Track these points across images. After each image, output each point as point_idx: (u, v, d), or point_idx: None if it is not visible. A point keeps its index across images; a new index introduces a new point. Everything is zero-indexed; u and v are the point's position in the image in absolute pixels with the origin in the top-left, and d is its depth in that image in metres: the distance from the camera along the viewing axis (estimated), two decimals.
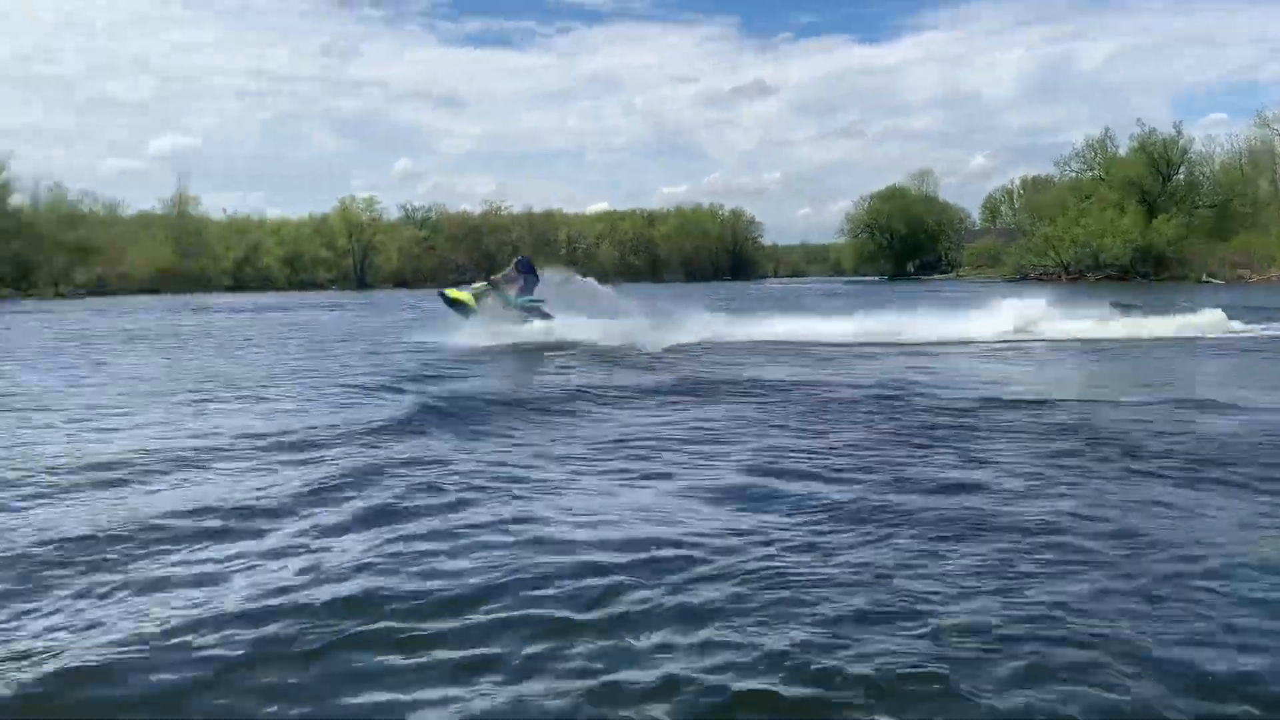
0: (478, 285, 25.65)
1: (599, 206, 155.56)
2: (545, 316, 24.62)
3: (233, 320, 40.48)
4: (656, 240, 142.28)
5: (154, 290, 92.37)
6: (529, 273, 25.35)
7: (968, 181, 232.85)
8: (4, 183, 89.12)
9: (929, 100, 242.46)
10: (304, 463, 9.07)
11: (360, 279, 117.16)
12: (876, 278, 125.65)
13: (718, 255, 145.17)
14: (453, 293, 25.66)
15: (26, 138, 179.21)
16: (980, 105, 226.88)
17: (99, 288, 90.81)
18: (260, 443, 10.06)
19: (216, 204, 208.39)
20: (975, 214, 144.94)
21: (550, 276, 25.79)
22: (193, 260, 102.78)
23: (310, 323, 38.74)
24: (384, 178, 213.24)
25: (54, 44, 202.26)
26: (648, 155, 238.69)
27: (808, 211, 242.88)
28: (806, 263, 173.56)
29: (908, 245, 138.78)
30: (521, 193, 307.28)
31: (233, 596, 5.43)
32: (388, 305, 58.05)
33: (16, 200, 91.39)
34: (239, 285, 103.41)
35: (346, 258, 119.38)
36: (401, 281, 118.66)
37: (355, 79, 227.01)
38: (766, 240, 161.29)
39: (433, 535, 6.60)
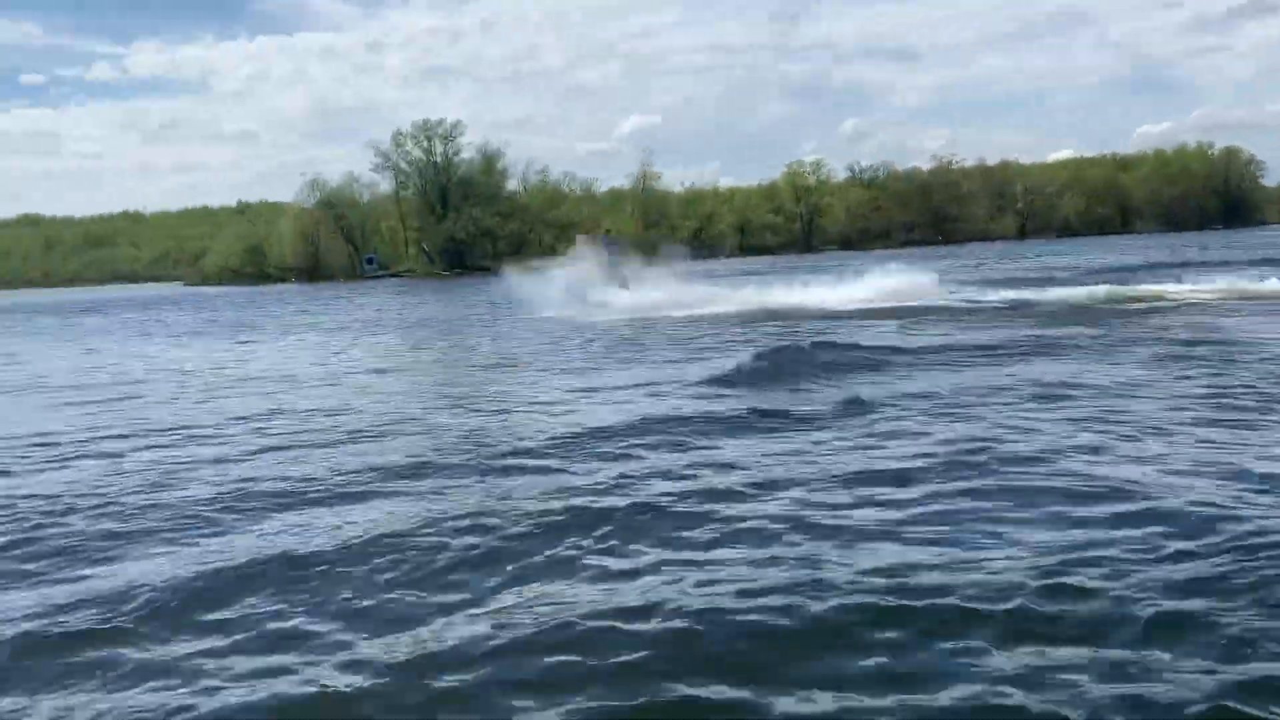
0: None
1: (1062, 154, 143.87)
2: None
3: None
4: (1129, 187, 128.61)
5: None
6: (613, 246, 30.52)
7: None
8: (502, 169, 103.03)
9: None
10: None
11: (807, 242, 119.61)
12: None
13: (1205, 200, 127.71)
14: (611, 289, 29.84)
15: (517, 129, 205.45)
16: None
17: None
18: None
19: (676, 178, 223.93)
20: None
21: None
22: (655, 230, 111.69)
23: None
24: (832, 139, 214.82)
25: (538, 41, 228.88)
26: (1121, 93, 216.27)
27: None
28: None
29: None
30: (976, 144, 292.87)
31: None
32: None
33: (511, 185, 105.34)
34: (694, 254, 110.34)
35: (794, 222, 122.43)
36: (848, 243, 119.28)
37: (803, 43, 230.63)
38: (1270, 181, 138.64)
39: None
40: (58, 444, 11.60)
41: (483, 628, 5.32)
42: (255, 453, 10.35)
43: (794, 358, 15.29)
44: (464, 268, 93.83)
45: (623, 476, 8.38)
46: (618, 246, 31.85)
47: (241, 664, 5.03)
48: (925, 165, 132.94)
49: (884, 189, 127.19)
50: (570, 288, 28.59)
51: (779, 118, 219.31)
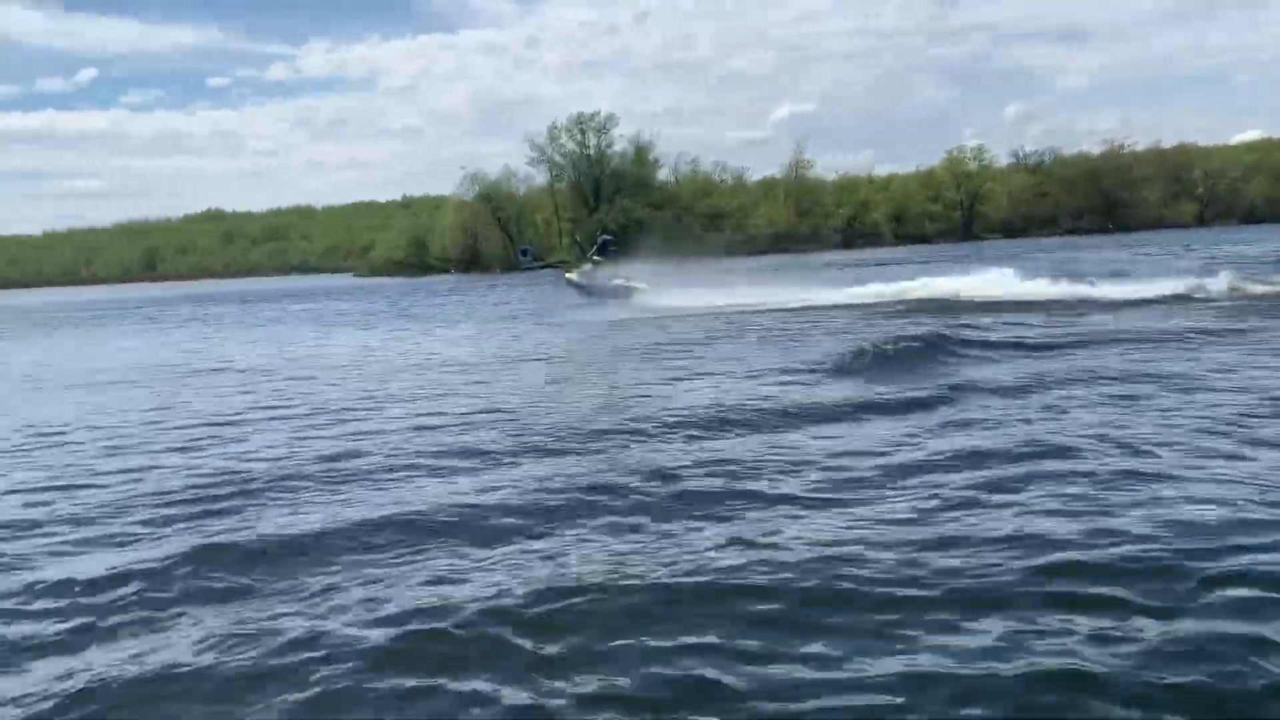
0: (584, 267, 31.24)
1: (1247, 135, 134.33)
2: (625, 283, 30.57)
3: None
4: None
5: (773, 250, 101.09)
6: (610, 248, 31.82)
7: None
8: (653, 160, 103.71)
9: None
10: None
11: (967, 229, 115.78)
12: None
13: None
14: (569, 276, 31.98)
15: (669, 119, 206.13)
16: None
17: (726, 250, 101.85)
18: None
19: (829, 165, 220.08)
20: None
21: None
22: (806, 220, 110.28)
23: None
24: (994, 124, 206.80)
25: (691, 30, 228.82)
26: None
27: None
28: None
29: None
30: (1150, 127, 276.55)
31: None
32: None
33: (662, 175, 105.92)
34: (847, 243, 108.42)
35: (954, 210, 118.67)
36: (1010, 231, 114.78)
37: (961, 25, 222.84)
38: None
39: None
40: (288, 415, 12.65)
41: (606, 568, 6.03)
42: (443, 423, 10.89)
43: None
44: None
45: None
46: (616, 250, 32.55)
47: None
48: (1094, 149, 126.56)
49: (1050, 174, 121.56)
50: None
51: (936, 103, 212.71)
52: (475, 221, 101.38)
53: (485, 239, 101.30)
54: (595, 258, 31.41)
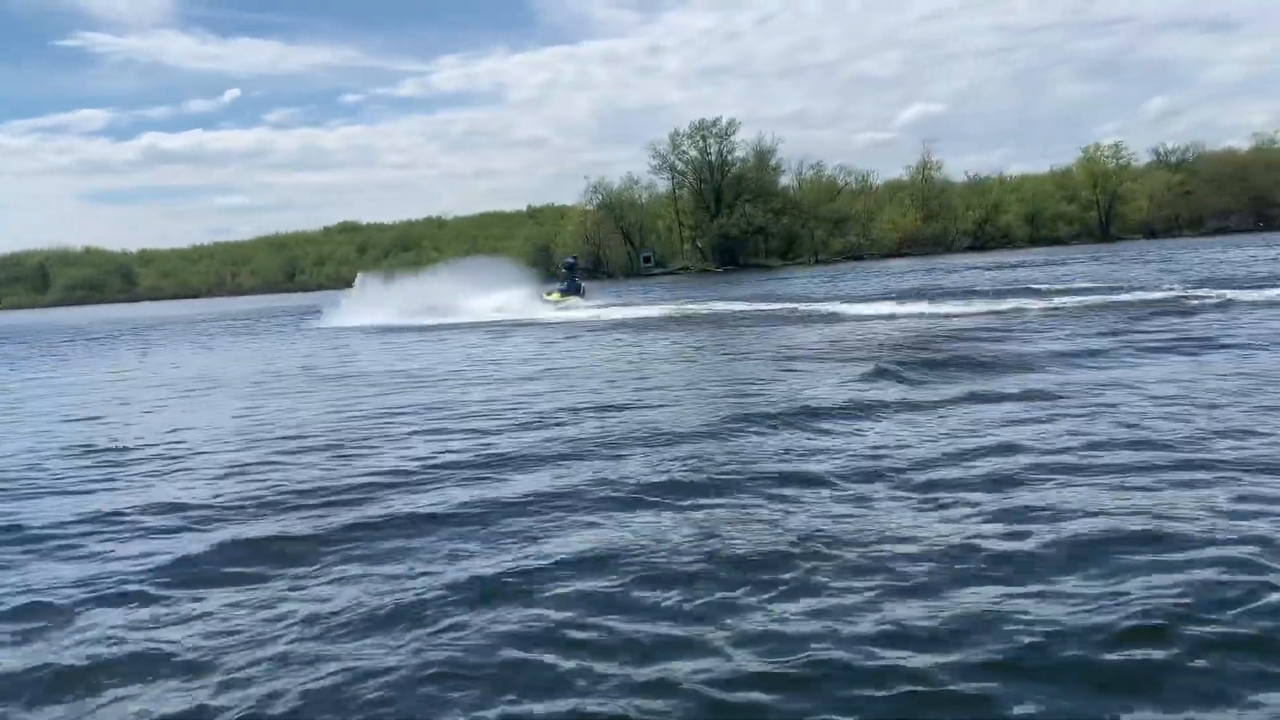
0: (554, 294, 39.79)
1: None
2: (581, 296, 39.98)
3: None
4: None
5: (899, 254, 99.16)
6: (572, 269, 42.85)
7: None
8: (775, 165, 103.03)
9: None
10: None
11: (1105, 230, 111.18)
12: None
13: None
14: (552, 298, 39.21)
15: (793, 123, 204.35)
16: None
17: (852, 254, 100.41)
18: None
19: (959, 167, 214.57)
20: None
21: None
22: (935, 223, 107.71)
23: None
24: (1134, 120, 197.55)
25: (816, 34, 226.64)
26: None
27: None
28: None
29: None
30: None
31: None
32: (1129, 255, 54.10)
33: (785, 180, 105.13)
34: (978, 245, 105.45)
35: (1091, 210, 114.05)
36: (1152, 232, 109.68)
37: (1103, 17, 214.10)
38: None
39: None
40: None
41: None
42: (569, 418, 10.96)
43: None
44: (735, 264, 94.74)
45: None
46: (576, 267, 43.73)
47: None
48: (1242, 145, 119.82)
49: (1194, 172, 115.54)
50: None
51: (1074, 99, 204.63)
52: (598, 229, 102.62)
53: (608, 245, 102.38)
54: (564, 286, 40.76)
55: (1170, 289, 25.26)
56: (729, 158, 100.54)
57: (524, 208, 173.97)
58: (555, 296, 39.10)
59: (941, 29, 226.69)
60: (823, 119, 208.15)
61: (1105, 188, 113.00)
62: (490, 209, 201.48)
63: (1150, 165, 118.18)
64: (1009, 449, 8.20)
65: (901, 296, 31.47)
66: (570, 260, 44.01)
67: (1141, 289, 26.04)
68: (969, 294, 29.90)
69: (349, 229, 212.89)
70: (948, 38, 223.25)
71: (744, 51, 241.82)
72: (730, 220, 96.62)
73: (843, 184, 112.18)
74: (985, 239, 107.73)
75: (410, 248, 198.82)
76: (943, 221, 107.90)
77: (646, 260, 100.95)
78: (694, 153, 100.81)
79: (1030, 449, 8.14)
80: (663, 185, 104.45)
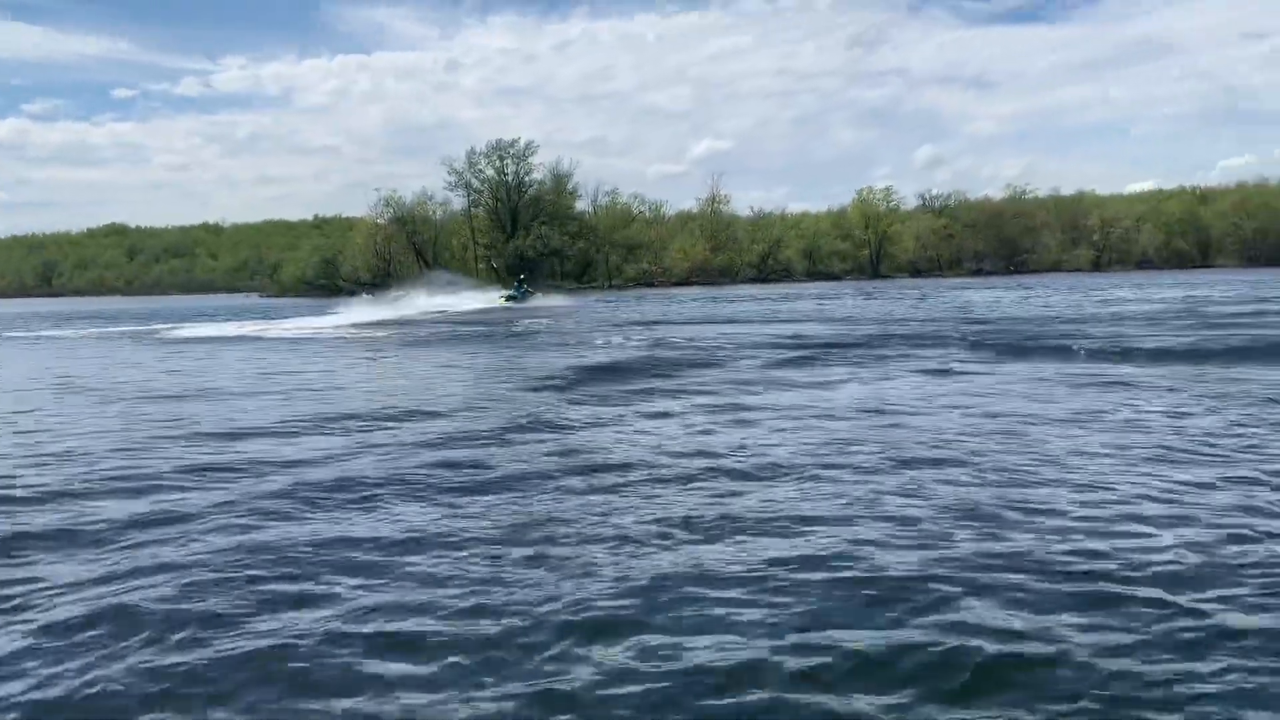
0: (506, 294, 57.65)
1: (1139, 186, 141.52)
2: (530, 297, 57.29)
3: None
4: (1209, 221, 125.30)
5: (688, 282, 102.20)
6: (521, 283, 59.75)
7: None
8: (571, 189, 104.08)
9: None
10: None
11: (875, 268, 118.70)
12: None
13: None
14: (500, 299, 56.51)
15: (590, 149, 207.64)
16: None
17: (644, 280, 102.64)
18: None
19: (745, 201, 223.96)
20: None
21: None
22: (722, 254, 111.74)
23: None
24: (905, 166, 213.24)
25: (611, 63, 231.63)
26: (1204, 125, 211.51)
27: None
28: None
29: None
30: (1052, 175, 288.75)
31: None
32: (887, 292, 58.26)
33: (581, 205, 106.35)
34: (761, 278, 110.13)
35: (863, 248, 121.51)
36: (916, 271, 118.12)
37: (878, 68, 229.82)
38: None
39: None
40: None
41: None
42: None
43: None
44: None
45: None
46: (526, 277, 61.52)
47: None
48: (997, 194, 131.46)
49: (955, 217, 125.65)
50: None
51: (851, 143, 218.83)
52: (389, 244, 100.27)
53: (399, 261, 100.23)
54: (514, 292, 57.47)
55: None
56: (526, 179, 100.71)
57: (310, 217, 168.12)
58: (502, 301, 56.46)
59: (730, 69, 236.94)
60: (618, 147, 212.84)
61: (876, 228, 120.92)
62: (273, 217, 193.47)
63: (917, 209, 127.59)
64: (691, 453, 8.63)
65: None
66: (521, 277, 62.87)
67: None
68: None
69: (116, 231, 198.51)
70: (736, 78, 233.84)
71: (542, 74, 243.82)
72: (526, 241, 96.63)
73: (637, 212, 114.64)
74: (768, 272, 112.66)
75: (184, 254, 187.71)
76: (729, 253, 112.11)
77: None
78: (491, 172, 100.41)
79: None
80: (458, 203, 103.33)
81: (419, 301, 52.93)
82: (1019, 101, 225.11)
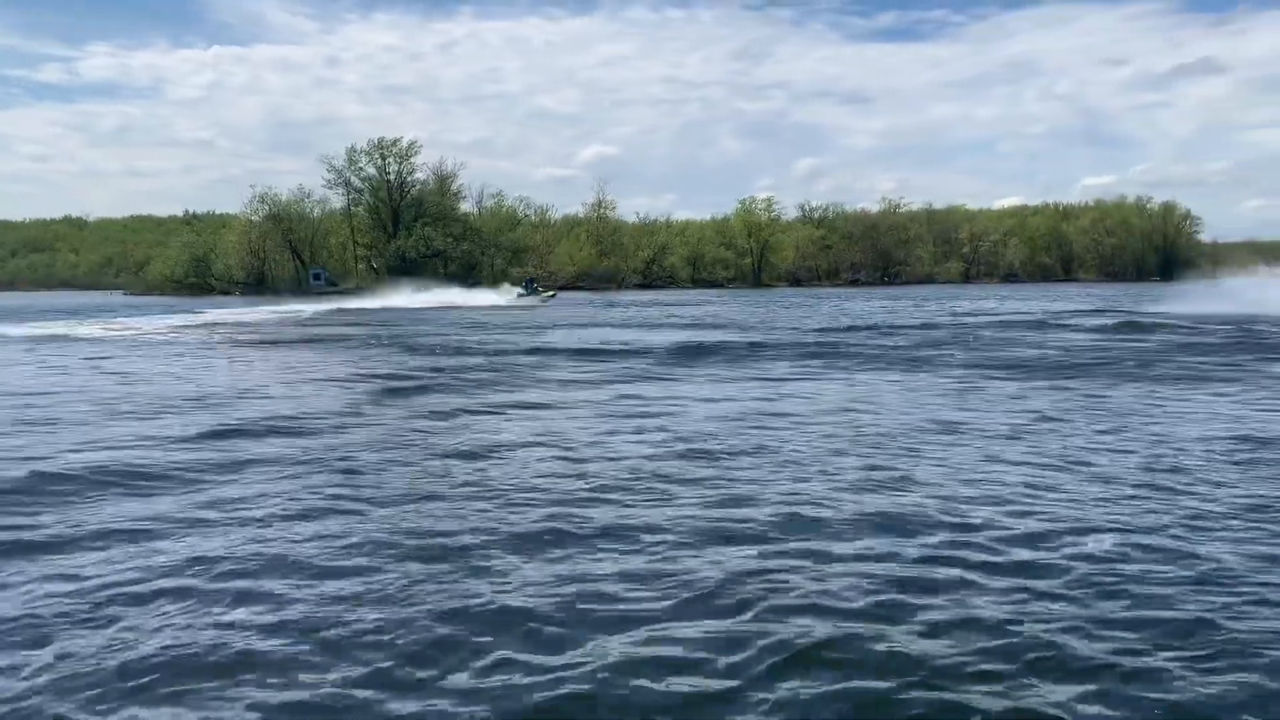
0: (519, 291, 61.31)
1: (1008, 201, 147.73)
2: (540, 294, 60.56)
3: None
4: (1071, 237, 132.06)
5: (574, 286, 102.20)
6: (531, 282, 63.91)
7: None
8: (456, 191, 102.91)
9: None
10: None
11: (757, 276, 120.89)
12: None
13: (1144, 253, 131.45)
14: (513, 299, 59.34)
15: (476, 150, 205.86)
16: None
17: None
18: None
19: (631, 207, 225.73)
20: None
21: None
22: (609, 259, 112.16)
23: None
24: (786, 178, 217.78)
25: (498, 65, 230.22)
26: (1067, 145, 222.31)
27: (1259, 204, 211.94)
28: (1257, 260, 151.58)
29: None
30: (925, 189, 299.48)
31: None
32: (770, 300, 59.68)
33: (465, 207, 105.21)
34: (646, 283, 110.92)
35: (745, 257, 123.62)
36: (795, 280, 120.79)
37: (762, 81, 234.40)
38: (1205, 237, 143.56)
39: None
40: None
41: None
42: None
43: None
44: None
45: None
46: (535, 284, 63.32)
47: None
48: (873, 207, 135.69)
49: (834, 228, 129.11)
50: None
51: (736, 153, 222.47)
52: (264, 242, 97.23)
53: (274, 261, 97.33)
54: (524, 290, 61.16)
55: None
56: (409, 179, 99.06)
57: (180, 213, 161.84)
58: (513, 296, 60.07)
59: (619, 75, 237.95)
60: (505, 149, 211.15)
61: (759, 238, 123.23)
62: (141, 212, 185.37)
63: (797, 220, 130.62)
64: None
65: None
66: (530, 279, 68.00)
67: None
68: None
69: None
70: (623, 84, 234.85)
71: (427, 74, 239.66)
72: (409, 242, 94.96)
73: (523, 215, 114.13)
74: (653, 278, 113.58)
75: (43, 249, 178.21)
76: (615, 259, 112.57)
77: (317, 278, 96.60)
78: (372, 170, 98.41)
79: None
80: (338, 201, 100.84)
81: (420, 296, 61.92)
82: (894, 117, 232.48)
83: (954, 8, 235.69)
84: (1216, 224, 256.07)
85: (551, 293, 62.64)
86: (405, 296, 62.77)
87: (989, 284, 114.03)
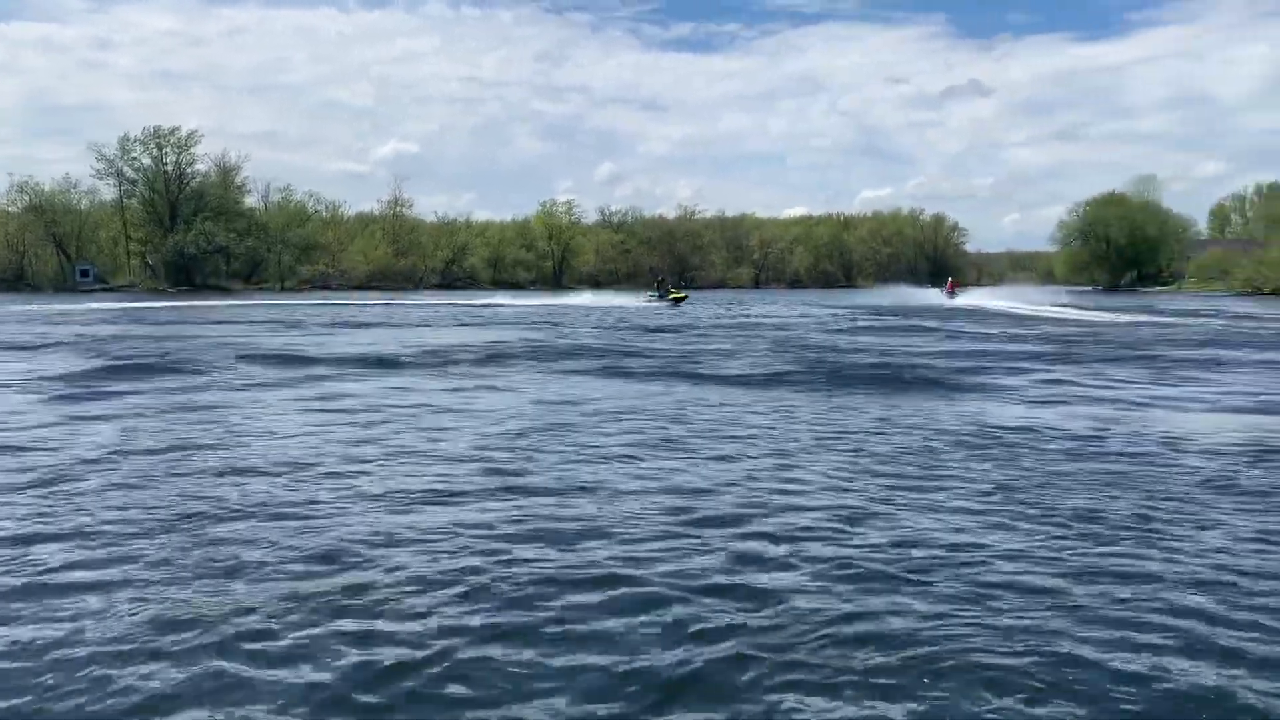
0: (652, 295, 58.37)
1: (796, 211, 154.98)
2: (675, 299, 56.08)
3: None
4: (851, 245, 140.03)
5: (369, 286, 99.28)
6: (664, 283, 60.91)
7: (1197, 187, 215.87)
8: (240, 184, 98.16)
9: (1158, 101, 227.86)
10: None
11: (558, 280, 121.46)
12: (1089, 288, 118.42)
13: (915, 262, 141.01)
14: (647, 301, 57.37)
15: (263, 142, 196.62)
16: (1215, 106, 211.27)
17: (320, 283, 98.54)
18: None
19: (430, 206, 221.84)
20: (1202, 222, 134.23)
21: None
22: (406, 259, 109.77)
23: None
24: (587, 181, 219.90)
25: (286, 55, 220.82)
26: (850, 158, 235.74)
27: (1017, 218, 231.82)
28: (1013, 271, 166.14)
29: (1125, 255, 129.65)
30: (719, 196, 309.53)
31: None
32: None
33: (250, 201, 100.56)
34: (446, 284, 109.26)
35: (546, 259, 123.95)
36: (596, 283, 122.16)
37: (561, 84, 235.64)
38: (971, 247, 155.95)
39: None
40: None
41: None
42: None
43: None
44: (192, 285, 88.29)
45: None
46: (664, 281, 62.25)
47: None
48: (670, 213, 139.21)
49: (633, 233, 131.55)
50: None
51: (538, 155, 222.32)
52: (23, 235, 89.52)
53: (36, 255, 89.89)
54: (658, 292, 57.79)
55: None
56: (188, 170, 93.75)
57: None
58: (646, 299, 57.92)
59: (415, 71, 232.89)
60: (294, 142, 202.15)
61: (560, 240, 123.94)
62: None
63: (597, 224, 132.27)
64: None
65: None
66: (660, 275, 68.26)
67: None
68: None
69: None
70: (421, 80, 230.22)
71: (211, 61, 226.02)
72: (188, 237, 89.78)
73: (313, 211, 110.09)
74: (453, 278, 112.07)
75: None
76: (413, 258, 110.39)
77: (84, 275, 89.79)
78: (147, 160, 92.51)
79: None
80: (109, 193, 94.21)
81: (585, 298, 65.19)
82: (689, 126, 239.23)
83: (745, 21, 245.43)
84: (981, 235, 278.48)
85: (684, 294, 57.78)
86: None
87: (777, 289, 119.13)
